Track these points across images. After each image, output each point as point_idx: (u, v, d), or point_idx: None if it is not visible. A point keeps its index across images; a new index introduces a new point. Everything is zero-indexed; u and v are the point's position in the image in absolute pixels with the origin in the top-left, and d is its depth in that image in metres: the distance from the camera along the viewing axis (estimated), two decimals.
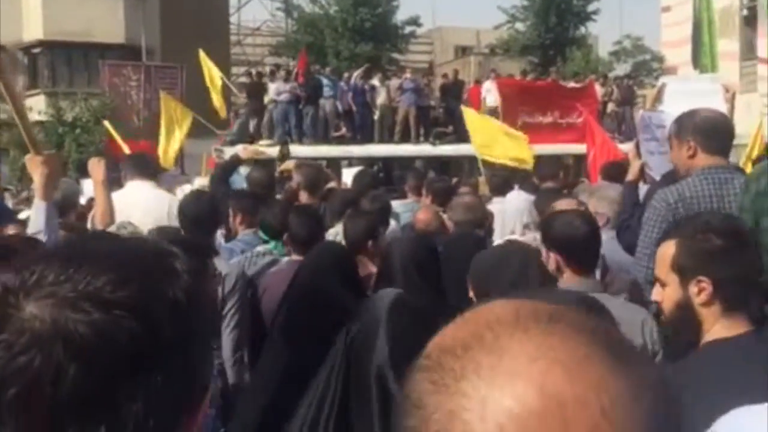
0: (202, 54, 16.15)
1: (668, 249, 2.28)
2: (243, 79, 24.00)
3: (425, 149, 21.64)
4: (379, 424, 2.29)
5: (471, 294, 2.95)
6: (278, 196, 6.69)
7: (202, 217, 4.59)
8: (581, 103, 18.76)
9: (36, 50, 30.15)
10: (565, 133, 20.08)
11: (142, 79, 23.98)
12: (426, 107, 22.84)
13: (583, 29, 40.53)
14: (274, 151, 10.92)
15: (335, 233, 5.06)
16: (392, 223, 6.13)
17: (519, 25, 40.79)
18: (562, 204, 4.34)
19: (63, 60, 30.27)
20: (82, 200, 7.64)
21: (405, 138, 22.09)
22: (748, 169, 5.01)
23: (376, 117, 22.52)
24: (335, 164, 12.31)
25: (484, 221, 5.42)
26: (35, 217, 3.42)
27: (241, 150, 7.51)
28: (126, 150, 10.68)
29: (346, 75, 23.02)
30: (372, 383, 2.32)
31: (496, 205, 6.86)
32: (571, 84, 24.10)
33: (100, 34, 28.99)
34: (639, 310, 3.13)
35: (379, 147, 21.67)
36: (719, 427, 1.29)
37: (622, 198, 4.62)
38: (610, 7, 66.59)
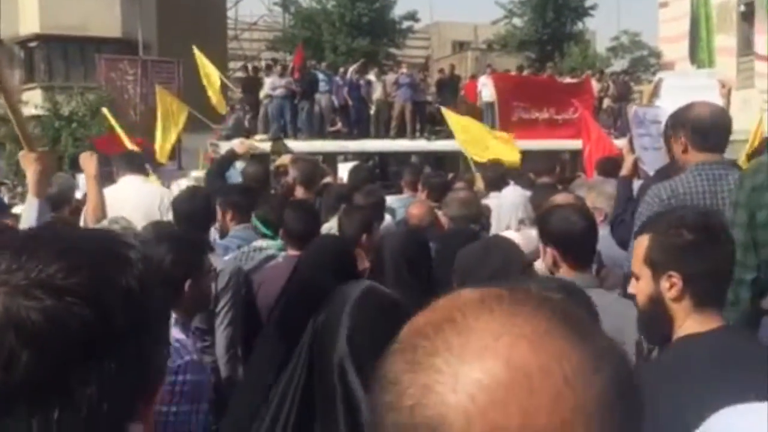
0: (196, 51, 16.11)
1: (642, 243, 2.28)
2: (240, 74, 23.96)
3: (421, 144, 21.63)
4: (344, 420, 2.28)
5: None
6: (272, 191, 6.69)
7: (195, 214, 4.57)
8: (577, 99, 18.74)
9: (32, 44, 30.08)
10: (561, 129, 20.10)
11: (139, 73, 23.93)
12: (422, 102, 22.81)
13: (580, 25, 40.60)
14: (269, 146, 10.92)
15: (329, 228, 5.05)
16: (388, 218, 6.12)
17: (516, 21, 40.84)
18: (561, 198, 4.34)
19: (59, 54, 30.19)
20: (78, 195, 7.63)
21: (401, 133, 22.07)
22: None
23: (372, 112, 22.49)
24: (331, 159, 12.34)
25: (479, 216, 5.42)
26: (27, 214, 3.41)
27: (236, 144, 7.49)
28: (127, 143, 10.65)
29: (341, 70, 22.96)
30: (335, 377, 2.31)
31: (491, 200, 6.84)
32: (567, 79, 24.11)
33: (96, 28, 28.91)
34: (632, 305, 3.13)
35: (374, 142, 21.65)
36: (709, 426, 1.28)
37: None
38: (607, 3, 66.78)
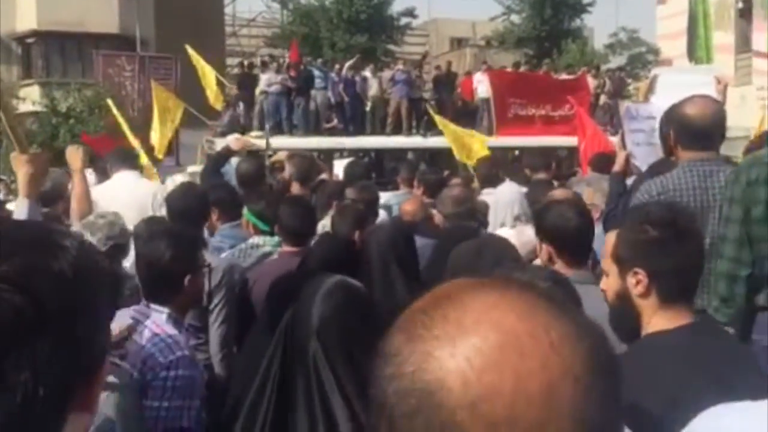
0: (190, 50, 16.09)
1: (610, 239, 2.28)
2: (237, 71, 23.92)
3: (417, 141, 21.58)
4: (322, 417, 2.27)
5: None
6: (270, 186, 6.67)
7: (189, 211, 4.55)
8: (573, 96, 18.72)
9: (30, 40, 30.04)
10: (557, 126, 20.08)
11: (137, 69, 23.86)
12: (418, 99, 22.72)
13: (578, 21, 40.55)
14: (264, 143, 10.94)
15: (324, 226, 5.04)
16: (384, 214, 6.12)
17: (515, 17, 40.82)
18: (560, 194, 4.34)
19: (57, 50, 30.17)
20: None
21: (397, 130, 22.05)
22: None
23: (367, 108, 22.44)
24: (327, 156, 12.35)
25: (474, 213, 5.40)
26: (17, 215, 3.41)
27: (232, 141, 7.47)
28: (131, 138, 10.65)
29: (337, 66, 22.91)
30: (310, 370, 2.31)
31: (485, 197, 6.84)
32: (564, 76, 24.09)
33: (94, 24, 28.88)
34: None
35: (370, 139, 21.59)
36: (698, 425, 1.27)
37: None
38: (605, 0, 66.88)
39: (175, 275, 3.17)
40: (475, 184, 8.35)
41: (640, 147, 5.14)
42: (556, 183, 8.21)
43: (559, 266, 3.13)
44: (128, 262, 4.06)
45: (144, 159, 9.03)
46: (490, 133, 20.25)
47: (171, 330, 3.03)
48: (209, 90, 16.33)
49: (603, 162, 6.75)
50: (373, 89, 22.34)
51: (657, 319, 2.16)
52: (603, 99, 23.26)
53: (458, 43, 45.61)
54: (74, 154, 4.81)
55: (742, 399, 1.27)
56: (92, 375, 0.95)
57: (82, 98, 23.56)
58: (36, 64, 30.07)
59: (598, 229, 3.76)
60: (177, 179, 8.33)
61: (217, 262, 4.21)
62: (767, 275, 3.22)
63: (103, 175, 5.55)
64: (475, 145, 11.87)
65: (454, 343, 0.77)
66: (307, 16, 39.88)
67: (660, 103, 5.21)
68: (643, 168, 4.79)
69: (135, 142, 10.59)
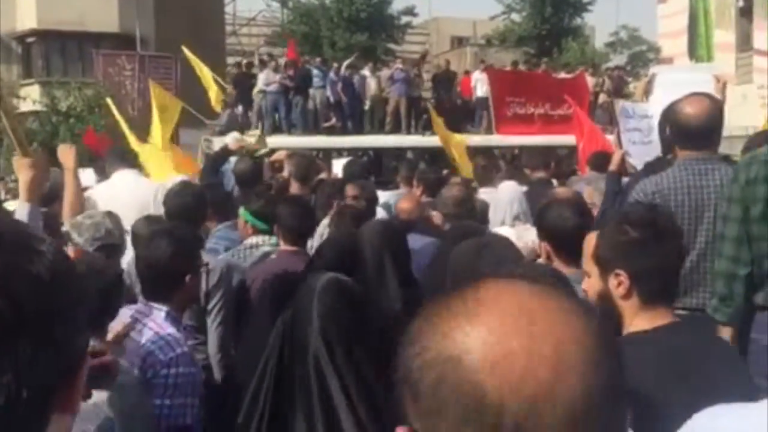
0: (187, 51, 16.08)
1: (591, 240, 2.27)
2: (235, 70, 23.92)
3: (416, 140, 21.57)
4: (321, 415, 2.27)
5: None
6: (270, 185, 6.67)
7: (186, 210, 4.55)
8: (572, 94, 18.72)
9: (30, 39, 30.02)
10: (556, 124, 20.04)
11: (137, 68, 23.82)
12: (416, 98, 22.71)
13: (579, 20, 40.54)
14: (256, 140, 10.91)
15: (324, 225, 5.03)
16: (383, 213, 6.11)
17: (515, 16, 40.84)
18: (562, 192, 4.34)
19: (57, 49, 30.13)
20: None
21: (396, 129, 22.03)
22: None
23: (366, 107, 22.42)
24: (326, 155, 12.35)
25: (473, 212, 5.39)
26: (18, 217, 3.39)
27: (230, 140, 7.47)
28: (133, 140, 10.62)
29: (335, 65, 22.87)
30: (311, 368, 2.31)
31: (483, 195, 6.83)
32: (562, 75, 24.07)
33: (94, 24, 28.86)
34: None
35: (369, 138, 21.59)
36: (695, 425, 1.26)
37: None
38: None
39: (176, 275, 3.18)
40: (476, 183, 8.35)
41: (636, 146, 5.15)
42: (555, 182, 8.22)
43: (557, 264, 3.15)
44: (126, 263, 4.04)
45: (143, 157, 8.99)
46: (489, 132, 20.27)
47: (169, 328, 3.04)
48: (211, 91, 16.33)
49: (602, 161, 6.74)
50: (371, 88, 22.32)
51: (638, 320, 2.16)
52: (602, 98, 23.24)
53: (459, 41, 45.60)
54: (67, 153, 4.78)
55: (718, 398, 1.27)
56: (72, 376, 0.96)
57: (82, 97, 23.54)
58: (36, 63, 30.05)
59: None
60: (177, 178, 8.33)
61: (214, 263, 4.22)
62: (766, 274, 3.22)
63: (102, 175, 5.54)
64: (457, 150, 11.85)
65: (471, 322, 0.84)
66: (307, 14, 39.88)
67: (658, 101, 5.21)
68: (639, 167, 4.79)
69: (135, 143, 10.56)
